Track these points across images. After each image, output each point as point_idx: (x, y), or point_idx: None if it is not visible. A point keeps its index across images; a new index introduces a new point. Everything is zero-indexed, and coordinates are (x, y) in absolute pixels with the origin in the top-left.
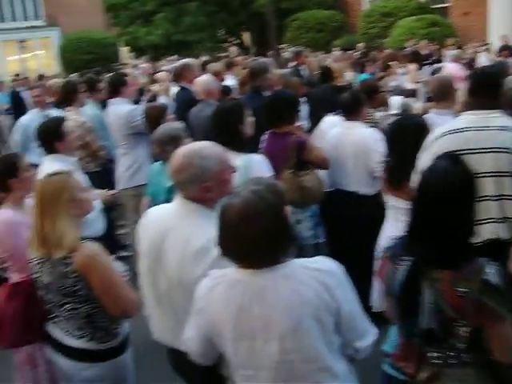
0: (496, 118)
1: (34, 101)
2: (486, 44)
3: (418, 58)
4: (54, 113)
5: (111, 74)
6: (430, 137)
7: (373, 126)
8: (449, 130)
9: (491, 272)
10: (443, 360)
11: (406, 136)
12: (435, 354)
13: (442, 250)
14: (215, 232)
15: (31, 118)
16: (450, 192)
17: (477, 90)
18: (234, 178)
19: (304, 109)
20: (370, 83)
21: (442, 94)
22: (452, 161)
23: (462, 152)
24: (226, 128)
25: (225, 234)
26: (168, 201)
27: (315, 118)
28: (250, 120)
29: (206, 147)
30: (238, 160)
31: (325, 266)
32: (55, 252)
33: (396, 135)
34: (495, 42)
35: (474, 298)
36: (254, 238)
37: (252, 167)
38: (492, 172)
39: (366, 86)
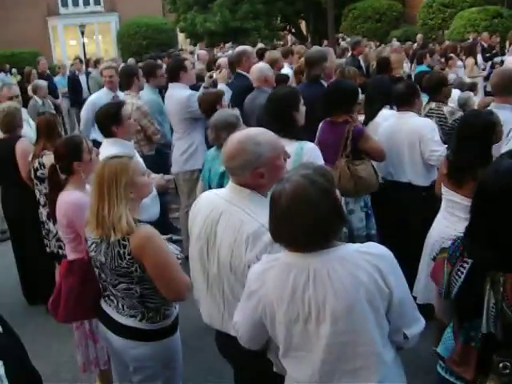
0: None
1: (106, 81)
2: None
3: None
4: (121, 95)
5: (170, 59)
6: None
7: (433, 118)
8: None
9: None
10: (508, 369)
11: (473, 133)
12: (501, 362)
13: (505, 252)
14: (267, 217)
15: (100, 97)
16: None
17: None
18: (287, 164)
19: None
20: (437, 76)
21: (503, 88)
22: None
23: None
24: (279, 115)
25: (277, 219)
26: (221, 186)
27: (371, 109)
28: (303, 108)
29: (260, 133)
30: (291, 147)
31: (377, 250)
32: (112, 234)
33: (463, 131)
34: None
35: None
36: (305, 221)
37: (304, 154)
38: None
39: (431, 79)
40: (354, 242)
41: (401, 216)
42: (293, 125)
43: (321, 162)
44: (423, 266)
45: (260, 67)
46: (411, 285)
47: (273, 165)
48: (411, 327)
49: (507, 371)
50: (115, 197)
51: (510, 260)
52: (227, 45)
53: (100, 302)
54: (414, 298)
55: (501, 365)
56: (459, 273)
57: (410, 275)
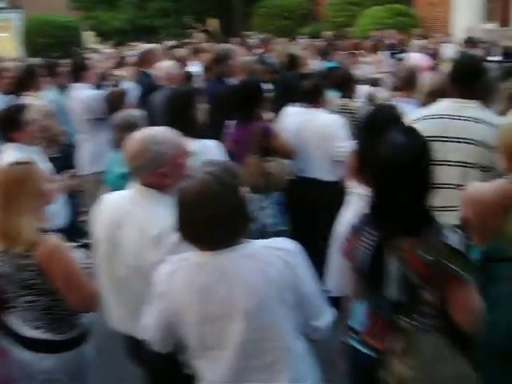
0: (472, 108)
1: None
2: (449, 35)
3: (384, 48)
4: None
5: (72, 58)
6: (408, 120)
7: (341, 114)
8: (426, 115)
9: (453, 236)
10: (415, 327)
11: (378, 126)
12: (406, 322)
13: (403, 218)
14: (173, 217)
15: None
16: (406, 161)
17: (458, 78)
18: (189, 162)
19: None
20: (344, 73)
21: (407, 83)
22: (405, 131)
23: (436, 138)
24: (177, 114)
25: (183, 216)
26: (121, 188)
27: (279, 106)
28: (203, 106)
29: (160, 132)
30: (193, 145)
31: (285, 245)
32: (15, 245)
33: (368, 125)
34: (459, 34)
35: (437, 262)
36: (210, 218)
37: (207, 153)
38: (459, 162)
39: (339, 75)
40: (265, 238)
41: (311, 211)
42: (192, 123)
43: (226, 159)
44: (333, 258)
45: (165, 65)
46: (322, 279)
47: (175, 163)
48: (320, 319)
49: (413, 329)
50: (18, 206)
51: (408, 225)
52: (136, 43)
53: (4, 315)
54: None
55: (408, 323)
56: (368, 245)
57: (322, 269)
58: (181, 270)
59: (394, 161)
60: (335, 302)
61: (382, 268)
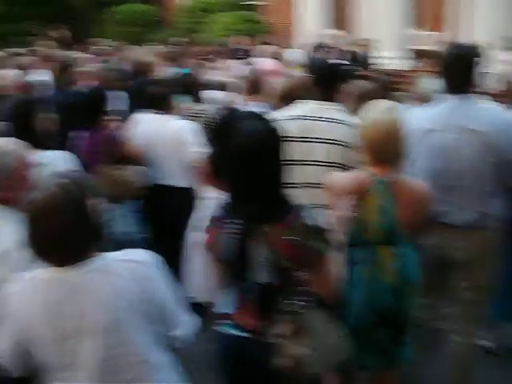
0: (334, 110)
1: None
2: (296, 40)
3: (234, 53)
4: None
5: None
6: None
7: (192, 119)
8: (287, 116)
9: (310, 216)
10: (298, 307)
11: (227, 128)
12: (288, 304)
13: (265, 205)
14: (22, 232)
15: None
16: (258, 146)
17: (318, 80)
18: (34, 174)
19: (120, 103)
20: (190, 77)
21: (255, 88)
22: (254, 118)
23: (300, 139)
24: (19, 124)
25: (31, 230)
26: None
27: (130, 112)
28: (51, 115)
29: (2, 144)
30: (41, 157)
31: (138, 256)
32: None
33: (217, 128)
34: (305, 40)
35: (301, 242)
36: (59, 231)
37: (56, 164)
38: (324, 162)
39: (187, 80)
40: (123, 248)
41: (168, 218)
42: (35, 133)
43: (76, 169)
44: (194, 264)
45: (8, 74)
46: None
47: (19, 176)
48: (180, 328)
49: (297, 309)
50: None
51: (270, 211)
52: None
53: None
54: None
55: (290, 305)
56: (230, 234)
57: (182, 276)
58: (28, 289)
59: (246, 146)
60: (199, 308)
61: (249, 255)
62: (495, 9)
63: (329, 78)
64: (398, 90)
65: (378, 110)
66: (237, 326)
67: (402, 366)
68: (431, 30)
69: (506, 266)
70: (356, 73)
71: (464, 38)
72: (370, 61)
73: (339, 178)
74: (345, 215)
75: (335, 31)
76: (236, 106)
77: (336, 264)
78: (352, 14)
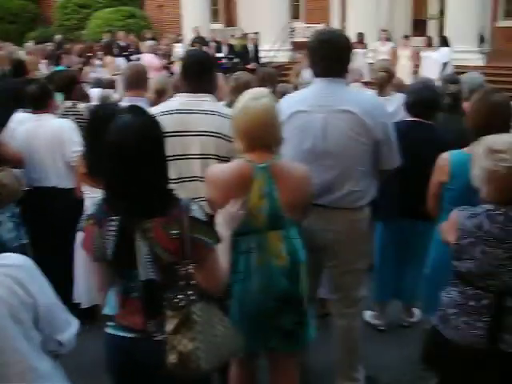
0: (206, 102)
1: None
2: (180, 35)
3: (115, 50)
4: None
5: None
6: None
7: (71, 118)
8: (162, 112)
9: (195, 209)
10: (183, 301)
11: (100, 125)
12: (172, 299)
13: (146, 199)
14: None
15: None
16: (133, 139)
17: (189, 73)
18: None
19: None
20: (66, 75)
21: (135, 82)
22: (129, 111)
23: (176, 133)
24: None
25: None
26: None
27: (5, 113)
28: None
29: None
30: None
31: (13, 260)
32: None
33: (91, 125)
34: (189, 34)
35: (186, 236)
36: None
37: None
38: (199, 154)
39: (62, 77)
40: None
41: (53, 221)
42: None
43: None
44: (79, 269)
45: None
46: (70, 290)
47: None
48: (64, 332)
49: (182, 303)
50: None
51: (153, 205)
52: None
53: None
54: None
55: (176, 300)
56: (109, 232)
57: (69, 281)
58: None
59: (120, 141)
60: (86, 311)
61: (131, 252)
62: (366, 2)
63: (198, 69)
64: (282, 81)
65: (248, 96)
66: (122, 327)
67: (305, 346)
68: (310, 23)
69: (386, 245)
70: (240, 65)
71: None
72: (258, 54)
73: (219, 170)
74: (230, 208)
75: (220, 25)
76: (114, 102)
77: (224, 256)
78: (236, 8)
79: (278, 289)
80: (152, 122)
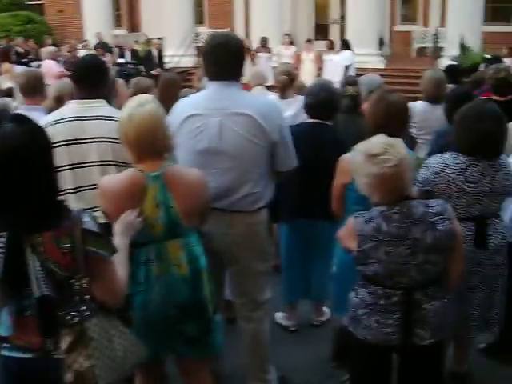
0: (99, 107)
1: None
2: (84, 41)
3: (14, 56)
4: None
5: None
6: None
7: None
8: (55, 120)
9: (88, 220)
10: (77, 317)
11: None
12: (66, 315)
13: (34, 213)
14: None
15: None
16: (21, 152)
17: (80, 79)
18: None
19: None
20: None
21: (31, 90)
22: (13, 120)
23: (70, 142)
24: None
25: None
26: None
27: None
28: None
29: None
30: None
31: None
32: None
33: None
34: (92, 39)
35: (79, 249)
36: None
37: None
38: (98, 161)
39: None
40: None
41: None
42: None
43: None
44: None
45: None
46: None
47: None
48: None
49: (76, 320)
50: None
51: (41, 219)
52: None
53: None
54: None
55: (68, 317)
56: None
57: None
58: None
59: (2, 151)
60: None
61: (22, 268)
62: (269, 7)
63: (90, 75)
64: (187, 86)
65: (133, 104)
66: (18, 348)
67: (215, 353)
68: (214, 28)
69: (290, 245)
70: (144, 71)
71: (241, 33)
72: (163, 59)
73: (111, 181)
74: (126, 217)
75: (123, 30)
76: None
77: (121, 267)
78: (139, 13)
79: (180, 297)
80: (36, 132)
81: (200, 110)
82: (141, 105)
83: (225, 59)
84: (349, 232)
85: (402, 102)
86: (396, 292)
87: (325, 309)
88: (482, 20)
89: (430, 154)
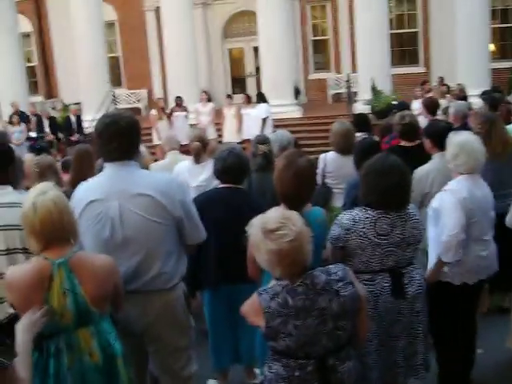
0: (6, 193)
1: None
2: None
3: None
4: None
5: None
6: None
7: None
8: None
9: None
10: None
11: None
12: None
13: None
14: None
15: None
16: None
17: None
18: None
19: None
20: None
21: None
22: None
23: None
24: None
25: None
26: None
27: None
28: None
29: None
30: None
31: None
32: None
33: None
34: (7, 108)
35: None
36: None
37: None
38: (4, 250)
39: None
40: None
41: None
42: None
43: None
44: None
45: None
46: None
47: None
48: None
49: None
50: None
51: None
52: None
53: None
54: None
55: None
56: None
57: None
58: None
59: None
60: None
61: None
62: (184, 65)
63: (3, 159)
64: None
65: (35, 193)
66: None
67: None
68: (132, 89)
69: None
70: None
71: (159, 93)
72: (82, 124)
73: (17, 271)
74: (30, 314)
75: (39, 97)
76: None
77: (22, 368)
78: (55, 79)
79: None
80: None
81: (98, 194)
82: (43, 192)
83: (116, 139)
84: (255, 309)
85: (309, 166)
86: (309, 362)
87: (256, 370)
88: (390, 63)
89: (344, 206)
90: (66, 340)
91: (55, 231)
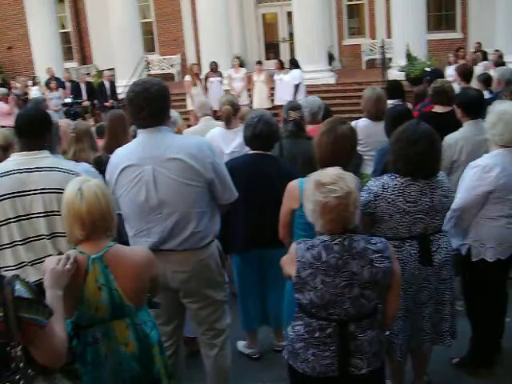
0: (43, 158)
1: None
2: (34, 77)
3: None
4: None
5: None
6: None
7: None
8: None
9: (19, 287)
10: None
11: None
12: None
13: None
14: None
15: None
16: None
17: (22, 134)
18: None
19: None
20: None
21: None
22: None
23: (14, 195)
24: None
25: None
26: None
27: None
28: None
29: None
30: None
31: None
32: None
33: None
34: (43, 75)
35: (12, 317)
36: None
37: None
38: (43, 212)
39: None
40: None
41: None
42: None
43: None
44: None
45: None
46: None
47: None
48: None
49: None
50: None
51: None
52: None
53: None
54: None
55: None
56: None
57: None
58: None
59: None
60: None
61: None
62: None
63: (32, 128)
64: None
65: (75, 181)
66: None
67: None
68: (165, 54)
69: (242, 274)
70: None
71: (193, 58)
72: (116, 90)
73: (53, 261)
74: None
75: (74, 63)
76: None
77: (58, 324)
78: (89, 45)
79: (130, 374)
80: None
81: (134, 160)
82: (86, 180)
83: (150, 105)
84: (291, 258)
85: (350, 132)
86: (330, 324)
87: (285, 332)
88: (426, 29)
89: (374, 173)
90: (103, 331)
91: (100, 219)
